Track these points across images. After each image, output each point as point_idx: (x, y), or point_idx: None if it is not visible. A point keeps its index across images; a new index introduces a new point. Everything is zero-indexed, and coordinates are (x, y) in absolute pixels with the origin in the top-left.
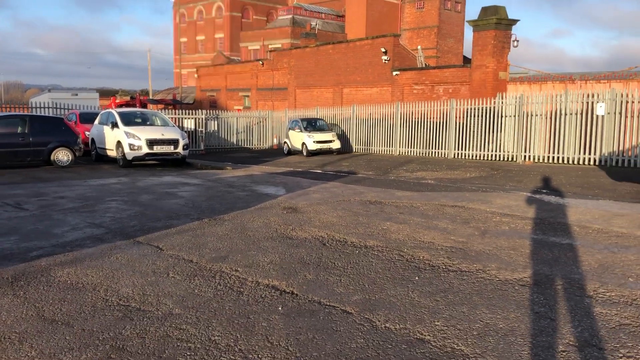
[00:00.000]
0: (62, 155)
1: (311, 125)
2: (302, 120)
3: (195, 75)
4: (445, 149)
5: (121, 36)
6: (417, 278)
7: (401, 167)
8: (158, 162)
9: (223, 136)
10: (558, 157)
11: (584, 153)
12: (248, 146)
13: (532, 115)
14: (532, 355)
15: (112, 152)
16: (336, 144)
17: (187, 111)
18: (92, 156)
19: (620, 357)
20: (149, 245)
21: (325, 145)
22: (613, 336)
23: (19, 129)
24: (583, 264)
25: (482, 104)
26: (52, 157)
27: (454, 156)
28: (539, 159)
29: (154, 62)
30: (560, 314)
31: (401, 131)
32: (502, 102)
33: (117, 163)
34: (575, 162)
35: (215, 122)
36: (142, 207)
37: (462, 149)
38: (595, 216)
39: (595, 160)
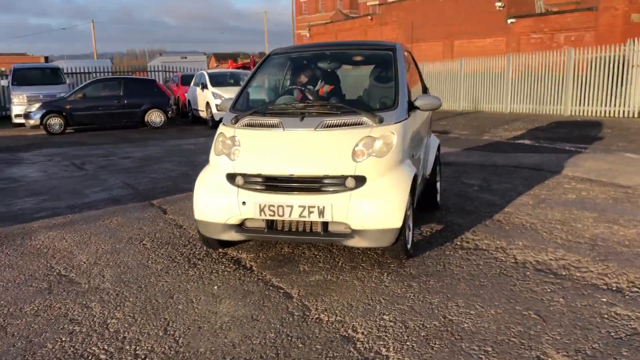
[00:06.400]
0: (155, 117)
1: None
2: None
3: (308, 35)
4: (560, 105)
5: (241, 1)
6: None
7: (502, 126)
8: None
9: None
10: None
11: None
12: None
13: None
14: None
15: (202, 113)
16: None
17: None
18: (189, 117)
19: None
20: (158, 208)
21: None
22: None
23: (115, 92)
24: None
25: (607, 52)
26: (146, 119)
27: (571, 113)
28: None
29: (273, 25)
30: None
31: (513, 86)
32: (633, 49)
33: (207, 124)
34: None
35: None
36: (191, 167)
37: (580, 105)
38: None
39: None
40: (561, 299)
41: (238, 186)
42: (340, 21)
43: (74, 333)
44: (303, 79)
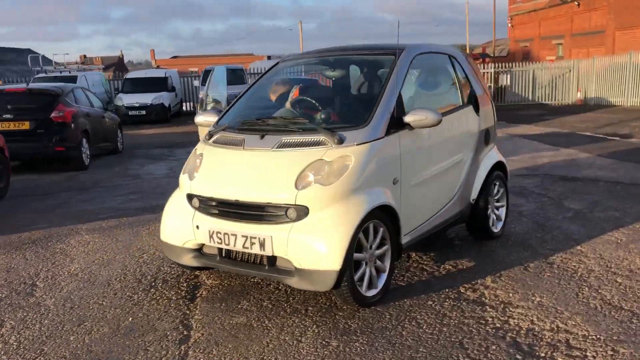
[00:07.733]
0: None
1: None
2: None
3: (509, 25)
4: None
5: None
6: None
7: None
8: None
9: (517, 91)
10: None
11: None
12: (548, 102)
13: None
14: None
15: None
16: None
17: (498, 64)
18: None
19: None
20: None
21: None
22: None
23: None
24: None
25: None
26: None
27: None
28: None
29: (490, 15)
30: None
31: None
32: None
33: None
34: None
35: (508, 76)
36: None
37: None
38: None
39: None
40: None
41: (195, 208)
42: (543, 9)
43: None
44: (301, 90)
